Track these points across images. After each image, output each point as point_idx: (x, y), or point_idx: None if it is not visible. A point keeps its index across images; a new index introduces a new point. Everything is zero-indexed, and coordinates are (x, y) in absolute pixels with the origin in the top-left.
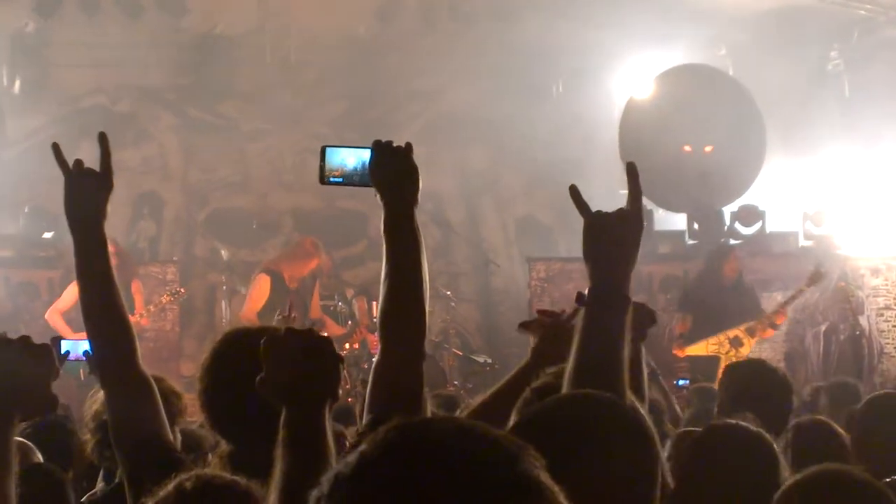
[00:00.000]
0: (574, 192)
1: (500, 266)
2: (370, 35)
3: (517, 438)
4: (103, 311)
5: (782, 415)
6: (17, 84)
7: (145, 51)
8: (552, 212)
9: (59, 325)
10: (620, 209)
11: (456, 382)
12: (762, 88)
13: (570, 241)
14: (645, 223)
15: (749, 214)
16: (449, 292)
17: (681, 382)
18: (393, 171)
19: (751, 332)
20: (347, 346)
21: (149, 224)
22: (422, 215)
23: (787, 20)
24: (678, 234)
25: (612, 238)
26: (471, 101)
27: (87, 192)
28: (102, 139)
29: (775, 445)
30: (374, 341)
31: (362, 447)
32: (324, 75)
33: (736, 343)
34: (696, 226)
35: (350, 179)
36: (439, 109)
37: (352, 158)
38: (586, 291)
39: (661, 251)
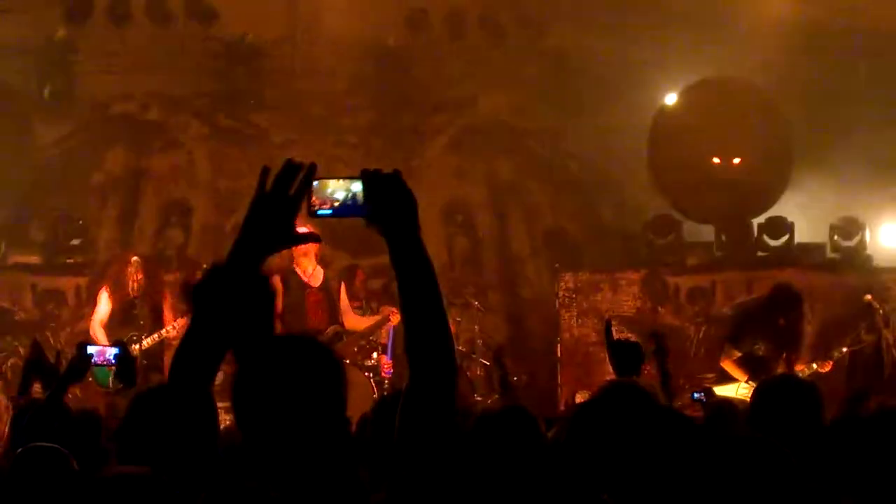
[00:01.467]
0: (608, 328)
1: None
2: (399, 44)
3: None
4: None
5: (814, 429)
6: (46, 91)
7: (174, 59)
8: (580, 223)
9: (101, 338)
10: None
11: (478, 398)
12: (790, 100)
13: (597, 251)
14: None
15: (777, 226)
16: (476, 302)
17: (696, 395)
18: (387, 201)
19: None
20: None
21: (177, 232)
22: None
23: (816, 33)
24: (706, 246)
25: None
26: (500, 112)
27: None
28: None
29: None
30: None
31: None
32: (353, 84)
33: None
34: (723, 237)
35: (339, 211)
36: (468, 119)
37: (341, 190)
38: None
39: (689, 263)
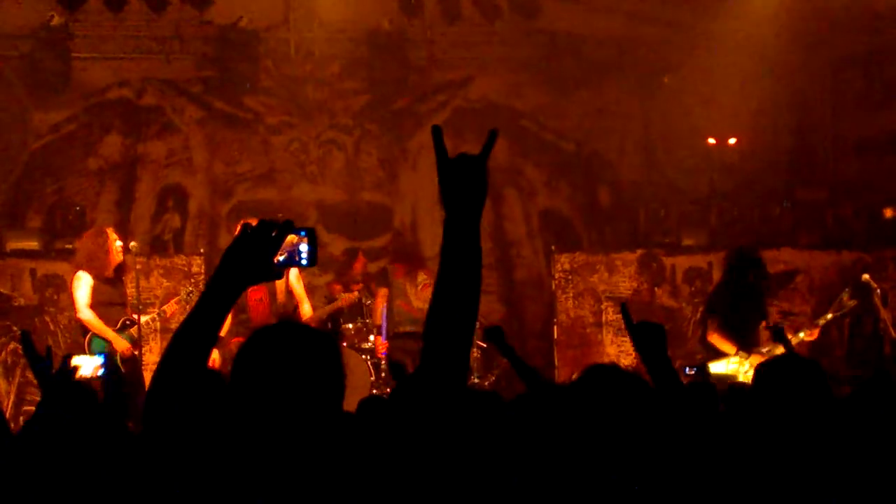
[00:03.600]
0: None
1: None
2: (394, 27)
3: None
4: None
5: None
6: (42, 77)
7: (170, 43)
8: (575, 204)
9: (94, 322)
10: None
11: (476, 379)
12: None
13: (593, 233)
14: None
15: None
16: None
17: (687, 370)
18: (463, 182)
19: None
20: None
21: (173, 216)
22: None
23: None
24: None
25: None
26: (495, 93)
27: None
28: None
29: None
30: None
31: None
32: (347, 68)
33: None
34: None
35: (284, 263)
36: (463, 101)
37: (297, 242)
38: None
39: (685, 243)
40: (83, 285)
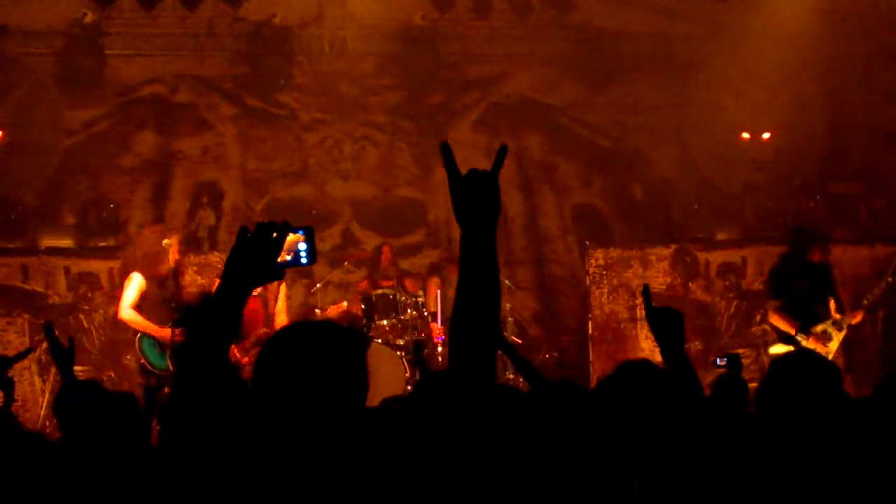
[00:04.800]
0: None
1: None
2: (427, 23)
3: None
4: None
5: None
6: (75, 74)
7: (203, 40)
8: (609, 199)
9: (136, 319)
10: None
11: (510, 375)
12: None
13: (627, 228)
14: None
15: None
16: (507, 280)
17: (718, 362)
18: (475, 198)
19: (838, 327)
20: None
21: (208, 213)
22: None
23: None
24: (736, 220)
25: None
26: (529, 89)
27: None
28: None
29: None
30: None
31: None
32: (381, 64)
33: (825, 337)
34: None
35: (289, 263)
36: (497, 97)
37: (296, 242)
38: None
39: (719, 238)
40: (132, 286)
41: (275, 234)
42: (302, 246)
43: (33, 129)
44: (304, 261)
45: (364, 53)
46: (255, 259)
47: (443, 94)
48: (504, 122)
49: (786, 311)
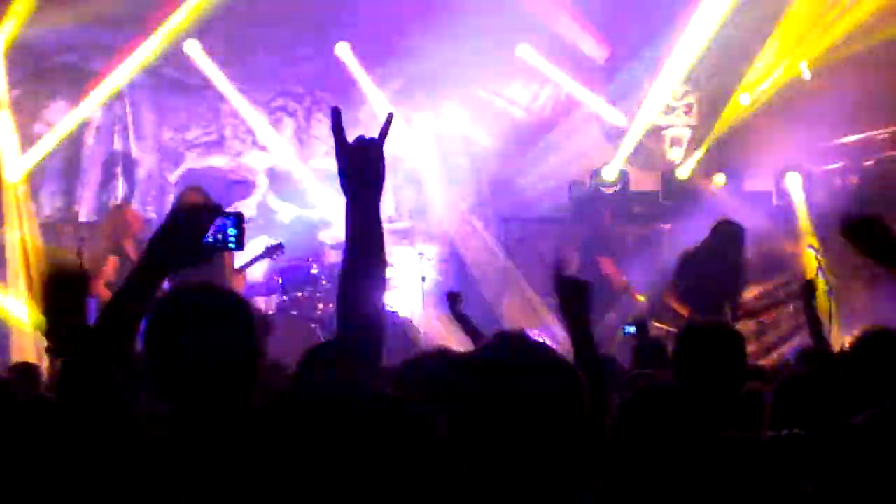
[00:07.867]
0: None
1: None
2: None
3: None
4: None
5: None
6: None
7: (121, 7)
8: (526, 172)
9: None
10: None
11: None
12: None
13: (546, 200)
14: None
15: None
16: (422, 253)
17: (626, 329)
18: (362, 167)
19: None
20: None
21: (121, 183)
22: (398, 176)
23: None
24: (652, 195)
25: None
26: (447, 61)
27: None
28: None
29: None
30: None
31: None
32: (300, 34)
33: None
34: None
35: (223, 244)
36: (416, 69)
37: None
38: None
39: (636, 211)
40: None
41: (203, 217)
42: (231, 231)
43: None
44: (231, 245)
45: (280, 18)
46: (179, 240)
47: (361, 66)
48: (422, 94)
49: (683, 296)
